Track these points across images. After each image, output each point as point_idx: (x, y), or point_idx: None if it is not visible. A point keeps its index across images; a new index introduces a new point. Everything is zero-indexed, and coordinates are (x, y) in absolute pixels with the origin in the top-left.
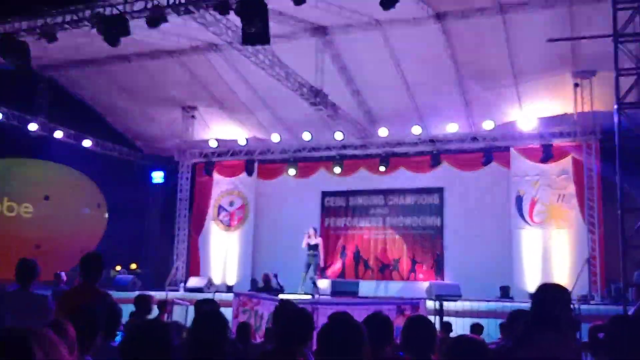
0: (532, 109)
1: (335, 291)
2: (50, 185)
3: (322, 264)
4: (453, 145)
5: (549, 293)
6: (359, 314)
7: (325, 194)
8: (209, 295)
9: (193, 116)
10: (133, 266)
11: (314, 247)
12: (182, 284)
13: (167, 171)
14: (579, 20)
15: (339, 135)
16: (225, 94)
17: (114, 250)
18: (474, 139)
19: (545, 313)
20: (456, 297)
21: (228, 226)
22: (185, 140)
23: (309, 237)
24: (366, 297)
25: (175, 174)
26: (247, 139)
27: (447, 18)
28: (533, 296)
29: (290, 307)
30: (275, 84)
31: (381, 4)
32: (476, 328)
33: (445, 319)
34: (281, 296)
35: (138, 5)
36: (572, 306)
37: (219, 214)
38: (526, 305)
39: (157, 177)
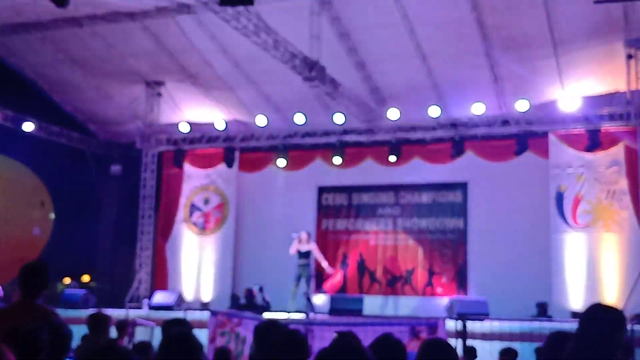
0: (575, 86)
1: (334, 309)
2: None
3: (328, 269)
4: (479, 130)
5: (600, 314)
6: (365, 337)
7: (322, 190)
8: (179, 315)
9: (159, 93)
10: (85, 278)
11: (306, 255)
12: (146, 300)
13: (127, 162)
14: None
15: (339, 118)
16: (198, 67)
17: (61, 259)
18: (505, 122)
19: (595, 336)
20: (483, 315)
21: (203, 229)
22: (150, 124)
23: (300, 241)
24: (373, 317)
25: (137, 166)
26: (226, 122)
27: None
28: (581, 318)
29: (278, 328)
30: (261, 54)
31: None
32: (507, 353)
33: (470, 342)
34: (267, 315)
35: None
36: (625, 328)
37: (191, 214)
38: (568, 325)
39: (115, 169)
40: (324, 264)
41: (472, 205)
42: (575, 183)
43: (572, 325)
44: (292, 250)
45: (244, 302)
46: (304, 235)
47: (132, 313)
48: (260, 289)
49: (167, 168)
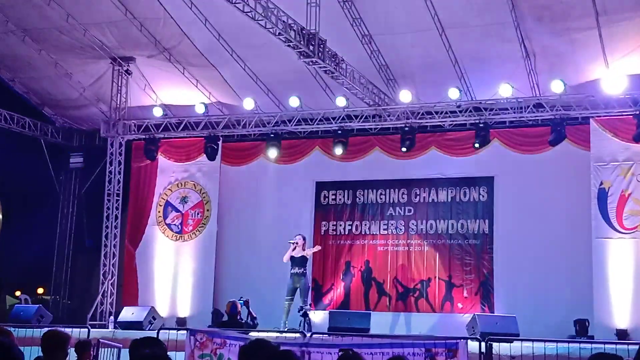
0: (621, 64)
1: (335, 327)
2: None
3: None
4: (508, 115)
5: None
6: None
7: (321, 187)
8: (151, 334)
9: (128, 72)
10: (40, 291)
11: (301, 263)
12: (111, 318)
13: (89, 152)
14: None
15: (341, 101)
16: (175, 40)
17: (11, 268)
18: (538, 106)
19: None
20: (511, 335)
21: (179, 233)
22: (117, 108)
23: (295, 248)
24: (381, 336)
25: (101, 157)
26: (206, 106)
27: None
28: None
29: (267, 349)
30: (249, 24)
31: None
32: None
33: None
34: (254, 334)
35: None
36: None
37: (165, 215)
38: (612, 347)
39: (76, 161)
40: (309, 250)
41: (498, 204)
42: (621, 179)
43: (616, 347)
44: (286, 258)
45: (226, 318)
46: (300, 240)
47: (95, 332)
48: (246, 303)
49: (137, 160)
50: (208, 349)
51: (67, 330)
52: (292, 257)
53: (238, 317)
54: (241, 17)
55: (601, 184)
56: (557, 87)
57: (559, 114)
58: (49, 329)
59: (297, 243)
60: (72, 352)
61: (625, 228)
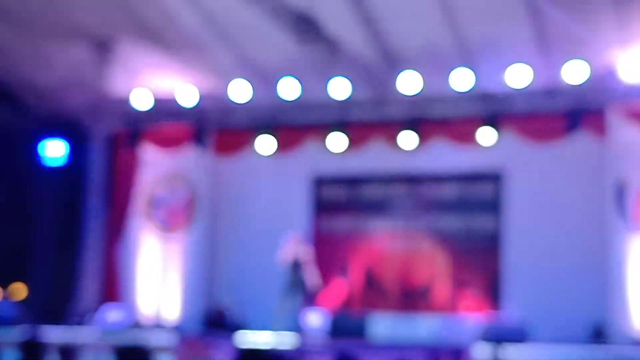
0: None
1: (334, 330)
2: None
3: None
4: (519, 103)
5: None
6: None
7: (318, 181)
8: (135, 337)
9: (111, 56)
10: (15, 287)
11: (296, 265)
12: (93, 318)
13: (69, 143)
14: None
15: (340, 89)
16: (161, 22)
17: None
18: (551, 94)
19: None
20: (521, 339)
21: (166, 229)
22: (99, 95)
23: (290, 247)
24: (382, 340)
25: (82, 148)
26: (195, 94)
27: None
28: None
29: (261, 356)
30: (241, 6)
31: None
32: None
33: None
34: (249, 333)
35: None
36: None
37: (151, 209)
38: (630, 352)
39: (55, 152)
40: (312, 278)
41: (508, 200)
42: None
43: (634, 353)
44: (282, 258)
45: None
46: (296, 238)
47: (77, 334)
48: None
49: (120, 151)
50: (198, 351)
51: (46, 331)
52: (288, 258)
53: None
54: None
55: (619, 177)
56: (576, 72)
57: (574, 103)
58: (27, 330)
59: (292, 242)
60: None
61: None
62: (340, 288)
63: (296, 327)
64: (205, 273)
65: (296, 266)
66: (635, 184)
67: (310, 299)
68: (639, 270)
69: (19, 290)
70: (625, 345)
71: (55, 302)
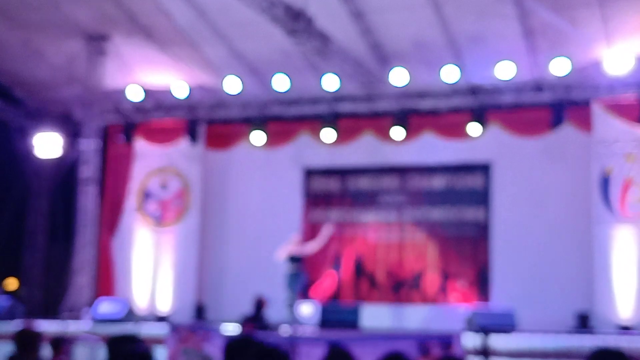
0: (625, 44)
1: (324, 320)
2: None
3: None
4: (506, 97)
5: None
6: (363, 354)
7: (309, 173)
8: (129, 329)
9: (104, 50)
10: (10, 283)
11: (298, 261)
12: (87, 311)
13: (63, 136)
14: None
15: (330, 82)
16: (154, 17)
17: None
18: (538, 88)
19: None
20: (508, 328)
21: (159, 222)
22: (92, 89)
23: (292, 246)
24: (372, 330)
25: (75, 141)
26: (188, 87)
27: None
28: None
29: (253, 345)
30: (233, 1)
31: None
32: None
33: None
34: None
35: None
36: None
37: (144, 203)
38: (614, 340)
39: (47, 145)
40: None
41: (496, 191)
42: (624, 163)
43: (619, 341)
44: (282, 255)
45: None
46: (295, 238)
47: (70, 326)
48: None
49: (113, 145)
50: (191, 343)
51: (40, 324)
52: (289, 255)
53: (260, 313)
54: None
55: (603, 169)
56: (560, 66)
57: (559, 96)
58: (21, 323)
59: (294, 240)
60: (46, 347)
61: (627, 215)
62: (331, 279)
63: (292, 318)
64: (198, 265)
65: (294, 260)
66: (619, 175)
67: (304, 290)
68: (623, 260)
69: (12, 284)
70: (610, 333)
71: (49, 295)
